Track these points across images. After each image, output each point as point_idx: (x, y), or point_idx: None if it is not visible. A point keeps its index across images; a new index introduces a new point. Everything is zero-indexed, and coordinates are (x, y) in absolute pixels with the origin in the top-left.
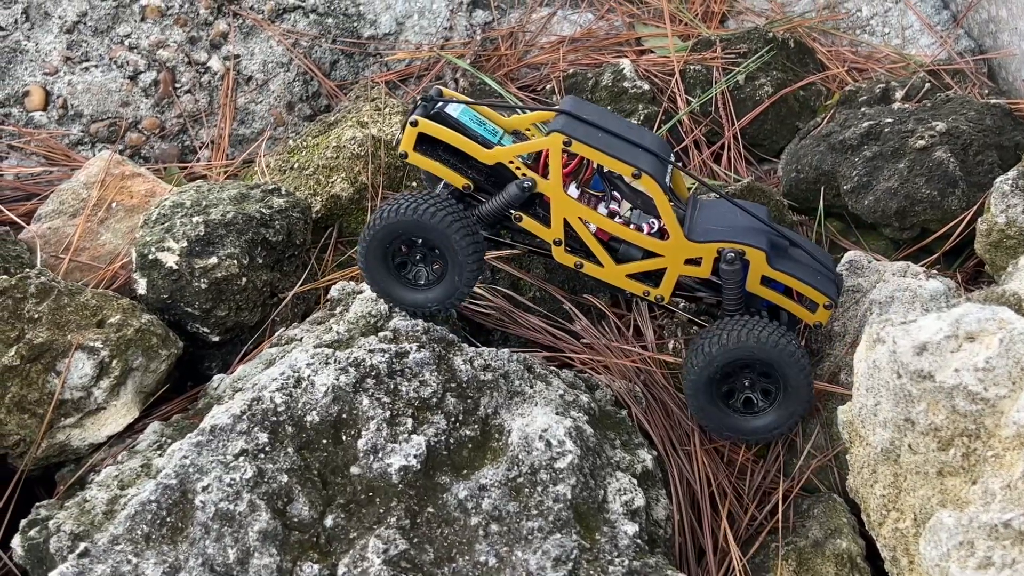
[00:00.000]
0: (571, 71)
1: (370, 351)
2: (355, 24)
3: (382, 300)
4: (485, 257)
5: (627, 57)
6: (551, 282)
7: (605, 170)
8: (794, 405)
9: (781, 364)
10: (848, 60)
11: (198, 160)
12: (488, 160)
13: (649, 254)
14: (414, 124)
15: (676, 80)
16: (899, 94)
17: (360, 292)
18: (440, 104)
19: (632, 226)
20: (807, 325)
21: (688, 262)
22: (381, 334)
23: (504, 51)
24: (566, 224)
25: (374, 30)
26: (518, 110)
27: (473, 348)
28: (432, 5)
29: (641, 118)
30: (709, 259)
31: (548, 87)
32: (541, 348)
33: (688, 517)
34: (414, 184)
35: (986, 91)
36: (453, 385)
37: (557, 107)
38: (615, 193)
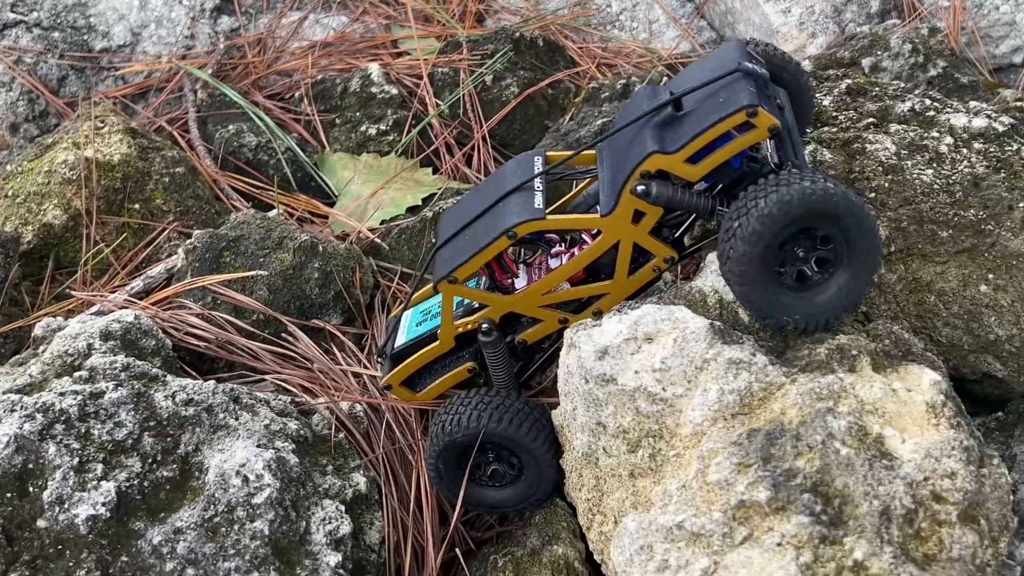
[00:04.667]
0: (320, 77)
1: (61, 394)
2: (85, 37)
3: (85, 339)
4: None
5: (380, 61)
6: (274, 306)
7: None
8: (860, 272)
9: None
10: (597, 56)
11: None
12: (446, 347)
13: (612, 249)
14: (389, 388)
15: (425, 83)
16: (638, 88)
17: (61, 329)
18: (394, 338)
19: (577, 247)
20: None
21: (635, 220)
22: (76, 374)
23: (252, 58)
24: (548, 305)
25: (107, 42)
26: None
27: (178, 382)
28: (171, 13)
29: (390, 123)
30: (639, 205)
31: (297, 94)
32: (265, 375)
33: (413, 536)
34: (137, 207)
35: None
36: (152, 424)
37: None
38: (547, 241)
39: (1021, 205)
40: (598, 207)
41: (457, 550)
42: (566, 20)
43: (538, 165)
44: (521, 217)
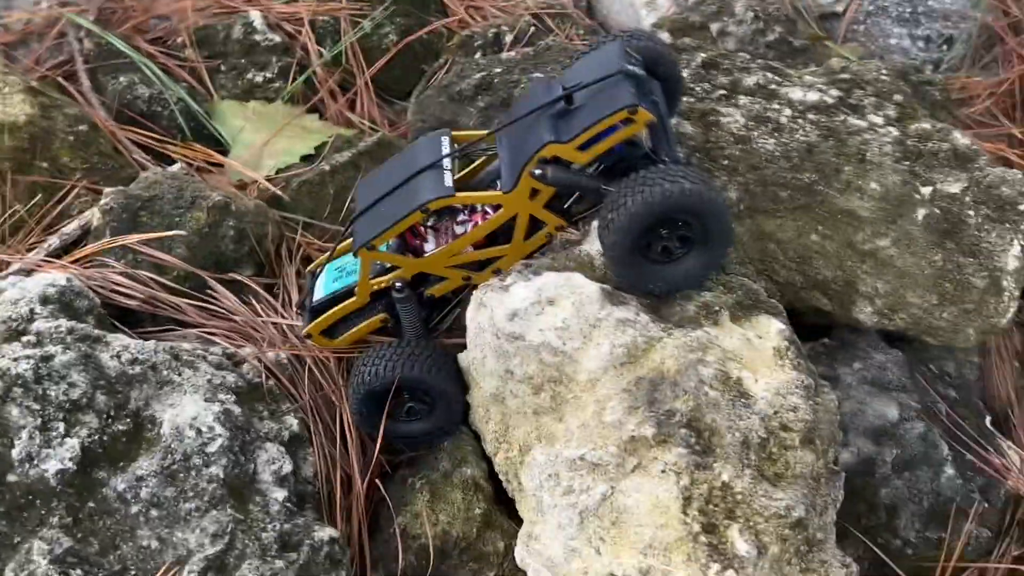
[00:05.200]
0: (202, 23)
1: (14, 359)
2: None
3: (26, 303)
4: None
5: (258, 7)
6: (193, 262)
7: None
8: (715, 248)
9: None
10: (466, 1)
11: None
12: (362, 302)
13: (511, 220)
14: (309, 337)
15: (306, 30)
16: (508, 38)
17: None
18: (312, 293)
19: (479, 215)
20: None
21: (531, 196)
22: (24, 339)
23: (131, 2)
24: (454, 265)
25: None
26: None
27: (120, 342)
28: None
29: (276, 71)
30: (535, 185)
31: (179, 40)
32: (191, 329)
33: (341, 468)
34: (45, 165)
35: (581, 31)
36: (102, 383)
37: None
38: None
39: (846, 169)
40: (498, 183)
41: (377, 480)
42: None
43: (445, 145)
44: (434, 194)
